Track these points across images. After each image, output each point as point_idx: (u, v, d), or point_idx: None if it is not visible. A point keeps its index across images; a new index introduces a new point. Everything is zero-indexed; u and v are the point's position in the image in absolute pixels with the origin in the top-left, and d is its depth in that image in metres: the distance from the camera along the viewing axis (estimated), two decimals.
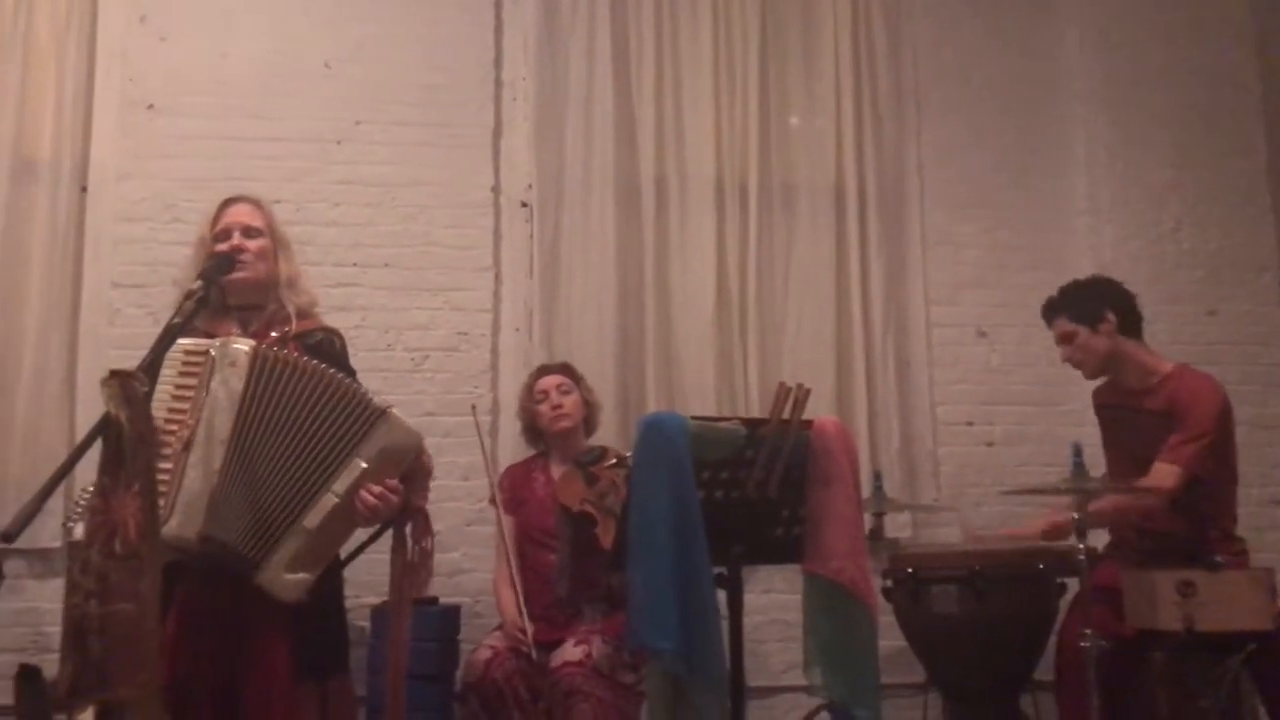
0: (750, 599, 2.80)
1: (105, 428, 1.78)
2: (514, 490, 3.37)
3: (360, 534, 2.30)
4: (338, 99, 3.88)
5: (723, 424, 2.26)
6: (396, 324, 3.81)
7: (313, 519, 2.11)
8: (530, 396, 3.39)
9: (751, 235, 3.91)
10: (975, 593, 2.90)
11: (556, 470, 3.34)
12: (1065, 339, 3.14)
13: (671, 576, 2.08)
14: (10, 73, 3.67)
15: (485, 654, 3.01)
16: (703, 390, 3.79)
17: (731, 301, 3.88)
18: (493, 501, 3.32)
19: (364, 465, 2.13)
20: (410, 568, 2.25)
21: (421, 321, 3.84)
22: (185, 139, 3.79)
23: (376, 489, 2.14)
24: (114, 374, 1.84)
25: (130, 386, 1.82)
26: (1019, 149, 4.20)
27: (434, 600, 3.45)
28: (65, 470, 1.73)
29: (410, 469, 2.22)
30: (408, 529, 2.25)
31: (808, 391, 2.30)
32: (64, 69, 3.71)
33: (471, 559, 3.70)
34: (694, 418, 2.23)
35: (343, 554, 2.31)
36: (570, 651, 2.93)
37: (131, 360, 3.47)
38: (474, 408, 3.50)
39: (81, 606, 1.72)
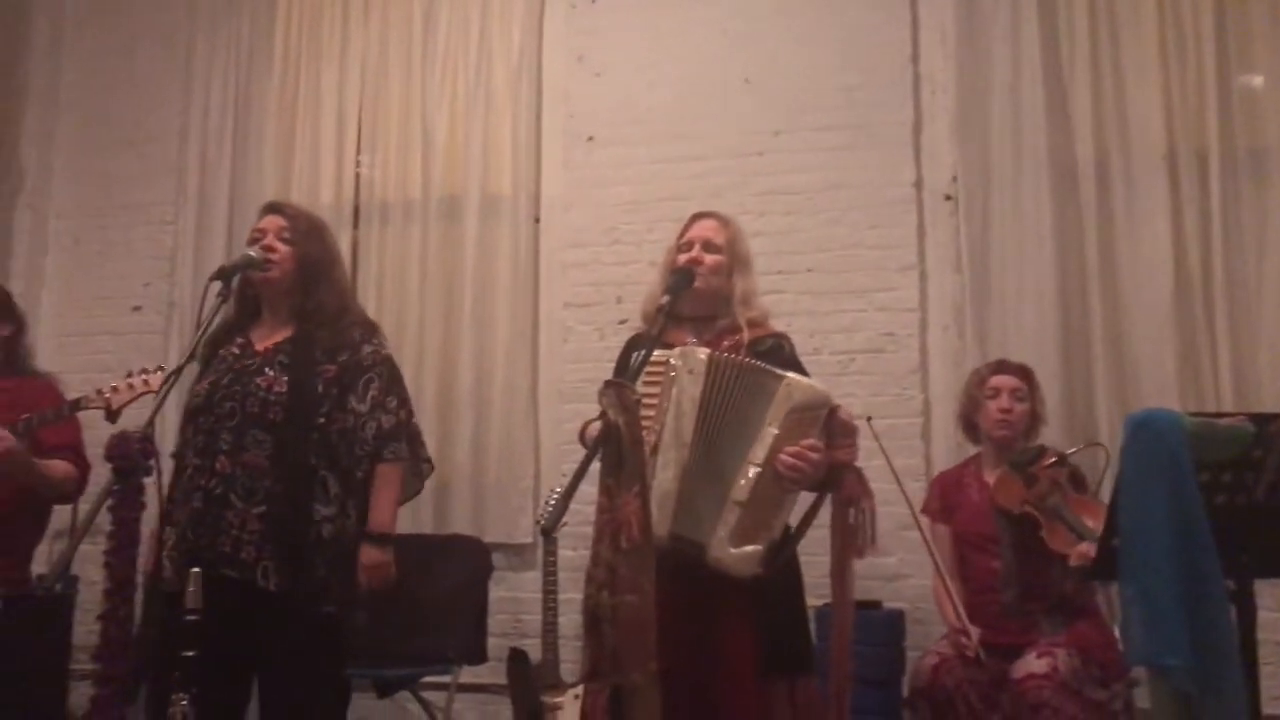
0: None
1: (608, 434, 1.92)
2: (945, 497, 3.25)
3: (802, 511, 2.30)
4: (757, 112, 3.99)
5: (1224, 421, 2.03)
6: (822, 328, 3.82)
7: (741, 492, 2.16)
8: (980, 387, 3.22)
9: (1214, 210, 3.49)
10: None
11: (989, 473, 3.17)
12: None
13: (1175, 587, 1.89)
14: (475, 121, 4.15)
15: (932, 660, 2.92)
16: (1162, 385, 3.44)
17: (1193, 284, 3.50)
18: (925, 511, 3.26)
19: (775, 431, 2.17)
20: (850, 530, 2.23)
21: (846, 324, 3.83)
22: (621, 166, 4.08)
23: (792, 449, 2.16)
24: (609, 384, 2.00)
25: (625, 395, 1.96)
26: None
27: (877, 604, 3.42)
28: (581, 472, 1.88)
29: (829, 427, 2.22)
30: (841, 489, 2.23)
31: None
32: (518, 113, 4.13)
33: (909, 564, 3.62)
34: (1190, 414, 2.02)
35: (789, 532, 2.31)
36: (1034, 663, 2.76)
37: (583, 372, 3.85)
38: (870, 419, 3.35)
39: (595, 597, 1.87)
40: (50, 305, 4.48)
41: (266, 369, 2.54)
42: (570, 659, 3.39)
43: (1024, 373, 3.22)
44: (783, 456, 2.16)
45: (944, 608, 3.10)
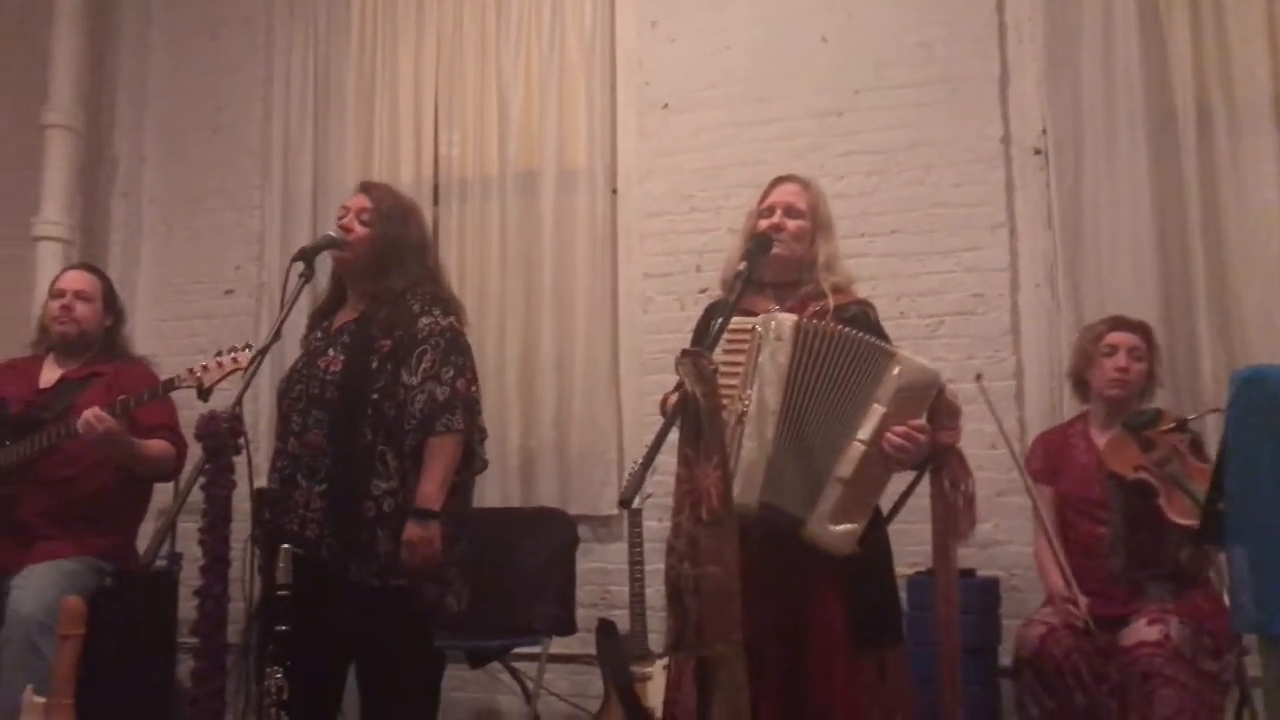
0: None
1: (685, 404, 1.89)
2: (1049, 458, 3.13)
3: (896, 489, 2.26)
4: (836, 71, 3.88)
5: None
6: (908, 291, 3.73)
7: (845, 469, 2.13)
8: (1096, 343, 3.07)
9: None
10: None
11: (1097, 435, 3.04)
12: None
13: None
14: (550, 94, 4.13)
15: (1039, 629, 2.81)
16: (1272, 341, 3.26)
17: None
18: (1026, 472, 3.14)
19: (882, 409, 2.13)
20: (951, 511, 2.18)
21: (934, 286, 3.73)
22: (697, 132, 4.01)
23: (900, 429, 2.12)
24: (685, 353, 1.97)
25: (701, 364, 1.93)
26: None
27: (971, 572, 3.34)
28: (658, 444, 1.86)
29: (934, 407, 2.17)
30: (943, 470, 2.19)
31: None
32: (592, 83, 4.10)
33: (1005, 530, 3.52)
34: None
35: (884, 509, 2.28)
36: (1145, 631, 2.65)
37: (664, 343, 3.82)
38: (979, 377, 3.23)
39: (676, 568, 1.85)
40: (146, 291, 4.61)
41: (330, 350, 2.58)
42: (658, 629, 3.37)
43: (1144, 330, 3.08)
44: (890, 436, 2.13)
45: (1049, 574, 2.98)
